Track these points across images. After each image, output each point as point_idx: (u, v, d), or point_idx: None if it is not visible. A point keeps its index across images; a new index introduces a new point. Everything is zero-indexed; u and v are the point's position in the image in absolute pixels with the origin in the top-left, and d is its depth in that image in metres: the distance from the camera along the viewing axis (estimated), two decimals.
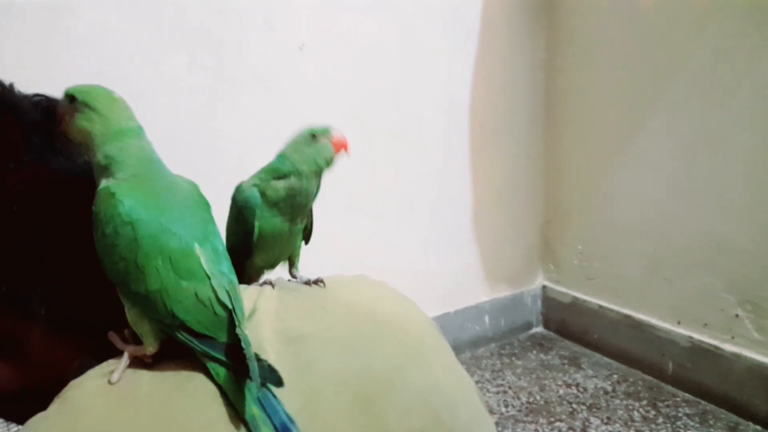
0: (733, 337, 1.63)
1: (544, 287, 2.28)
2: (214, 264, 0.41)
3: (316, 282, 0.51)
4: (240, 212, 0.53)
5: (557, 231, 2.21)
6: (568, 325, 2.18)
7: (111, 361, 0.40)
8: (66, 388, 0.38)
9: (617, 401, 1.74)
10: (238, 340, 0.38)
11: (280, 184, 0.52)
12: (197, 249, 0.40)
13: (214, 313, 0.39)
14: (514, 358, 2.06)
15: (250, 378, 0.36)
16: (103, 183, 0.40)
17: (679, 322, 1.77)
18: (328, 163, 0.53)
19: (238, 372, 0.37)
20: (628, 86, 1.84)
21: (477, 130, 2.02)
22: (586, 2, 1.95)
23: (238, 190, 0.54)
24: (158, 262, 0.38)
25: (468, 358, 2.06)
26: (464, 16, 1.93)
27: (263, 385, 0.37)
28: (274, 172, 0.53)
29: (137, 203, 0.39)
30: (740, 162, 1.57)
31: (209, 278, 0.40)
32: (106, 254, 0.39)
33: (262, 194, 0.52)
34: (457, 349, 2.09)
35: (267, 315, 0.44)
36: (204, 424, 0.35)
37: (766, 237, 1.53)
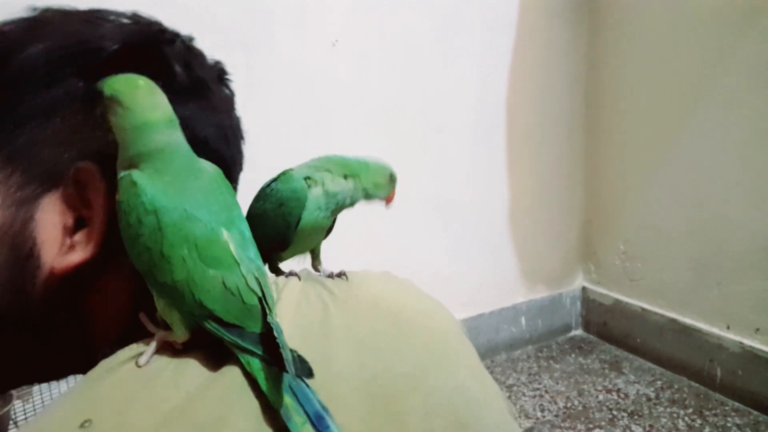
0: None
1: (583, 288, 2.21)
2: (243, 249, 0.39)
3: (339, 275, 0.50)
4: (284, 203, 0.51)
5: (598, 231, 2.14)
6: (609, 328, 2.10)
7: (141, 343, 0.39)
8: (95, 368, 0.38)
9: (661, 409, 1.67)
10: (269, 329, 0.37)
11: (345, 184, 0.52)
12: (225, 235, 0.39)
13: (243, 301, 0.38)
14: (551, 362, 2.00)
15: (283, 367, 0.35)
16: (125, 171, 0.39)
17: (728, 327, 1.68)
18: (375, 200, 0.57)
19: (270, 362, 0.36)
20: (674, 81, 1.76)
21: (514, 128, 1.97)
22: None
23: (287, 179, 0.52)
24: (184, 251, 0.37)
25: (504, 360, 2.02)
26: (501, 9, 1.89)
27: (296, 375, 0.36)
28: (349, 170, 0.53)
29: (159, 191, 0.38)
30: None
31: (238, 265, 0.38)
32: (131, 245, 0.38)
33: (320, 184, 0.52)
34: (493, 351, 2.04)
35: (288, 308, 0.43)
36: (221, 416, 0.34)
37: None
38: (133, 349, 0.39)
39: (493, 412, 0.44)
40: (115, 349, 0.39)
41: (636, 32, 1.88)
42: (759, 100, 1.54)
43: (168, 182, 0.39)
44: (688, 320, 1.80)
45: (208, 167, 0.42)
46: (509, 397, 1.79)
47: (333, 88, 1.64)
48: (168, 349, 0.39)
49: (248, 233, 0.41)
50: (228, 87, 0.51)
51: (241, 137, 0.52)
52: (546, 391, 1.81)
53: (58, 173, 0.40)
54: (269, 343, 0.36)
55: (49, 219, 0.40)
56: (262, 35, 1.52)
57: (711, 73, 1.65)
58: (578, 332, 2.21)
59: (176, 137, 0.41)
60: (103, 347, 0.41)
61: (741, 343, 1.64)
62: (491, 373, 1.92)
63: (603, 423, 1.62)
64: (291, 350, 0.37)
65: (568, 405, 1.72)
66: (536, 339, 2.14)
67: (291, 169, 0.53)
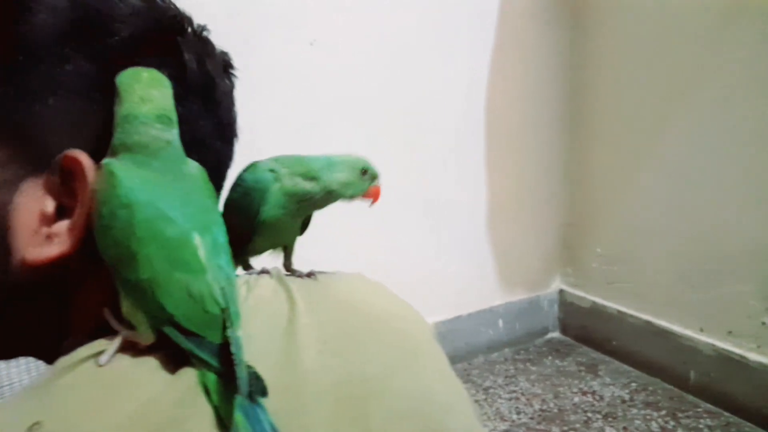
0: (759, 346, 1.56)
1: (561, 291, 2.22)
2: (213, 257, 0.38)
3: (309, 275, 0.49)
4: (248, 192, 0.50)
5: (577, 233, 2.15)
6: (586, 331, 2.12)
7: (102, 341, 0.38)
8: (52, 366, 0.36)
9: (635, 411, 1.68)
10: (228, 342, 0.35)
11: (304, 184, 0.50)
12: (196, 239, 0.38)
13: (204, 310, 0.36)
14: (528, 364, 2.00)
15: (237, 384, 0.34)
16: (106, 159, 0.38)
17: (701, 329, 1.70)
18: (353, 199, 0.53)
19: (224, 376, 0.35)
20: (657, 83, 1.77)
21: (496, 129, 1.97)
22: None
23: (253, 169, 0.51)
24: (151, 250, 0.36)
25: (481, 363, 2.02)
26: (483, 9, 1.89)
27: (249, 393, 0.35)
28: (308, 170, 0.51)
29: (137, 186, 0.37)
30: None
31: (205, 272, 0.37)
32: (101, 235, 0.37)
33: (279, 181, 0.50)
34: (470, 353, 2.04)
35: (257, 306, 0.42)
36: (178, 418, 0.33)
37: None
38: (94, 346, 0.37)
39: (460, 417, 0.44)
40: (84, 343, 0.37)
41: (619, 33, 1.88)
42: (742, 104, 1.55)
43: (147, 178, 0.37)
44: (664, 323, 1.82)
45: (194, 170, 0.41)
46: (485, 399, 1.79)
47: (312, 88, 1.63)
48: (131, 348, 0.37)
49: (222, 239, 0.40)
50: (230, 79, 0.50)
51: (235, 135, 0.51)
52: (522, 394, 1.81)
53: (44, 157, 0.38)
54: (226, 356, 0.35)
55: (26, 204, 0.38)
56: (250, 35, 1.50)
57: (694, 75, 1.66)
58: (556, 335, 2.22)
59: (167, 134, 0.40)
60: (75, 341, 0.39)
61: (714, 345, 1.66)
62: (468, 375, 1.93)
63: (578, 425, 1.63)
64: (248, 366, 0.36)
65: (544, 407, 1.73)
66: (514, 341, 2.14)
67: (259, 161, 0.52)
